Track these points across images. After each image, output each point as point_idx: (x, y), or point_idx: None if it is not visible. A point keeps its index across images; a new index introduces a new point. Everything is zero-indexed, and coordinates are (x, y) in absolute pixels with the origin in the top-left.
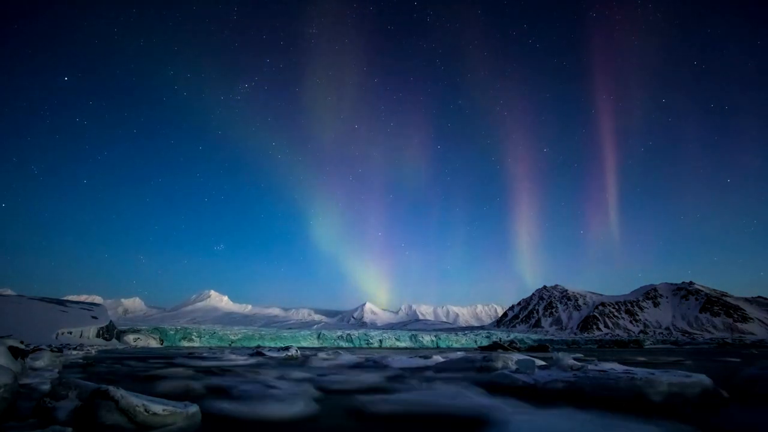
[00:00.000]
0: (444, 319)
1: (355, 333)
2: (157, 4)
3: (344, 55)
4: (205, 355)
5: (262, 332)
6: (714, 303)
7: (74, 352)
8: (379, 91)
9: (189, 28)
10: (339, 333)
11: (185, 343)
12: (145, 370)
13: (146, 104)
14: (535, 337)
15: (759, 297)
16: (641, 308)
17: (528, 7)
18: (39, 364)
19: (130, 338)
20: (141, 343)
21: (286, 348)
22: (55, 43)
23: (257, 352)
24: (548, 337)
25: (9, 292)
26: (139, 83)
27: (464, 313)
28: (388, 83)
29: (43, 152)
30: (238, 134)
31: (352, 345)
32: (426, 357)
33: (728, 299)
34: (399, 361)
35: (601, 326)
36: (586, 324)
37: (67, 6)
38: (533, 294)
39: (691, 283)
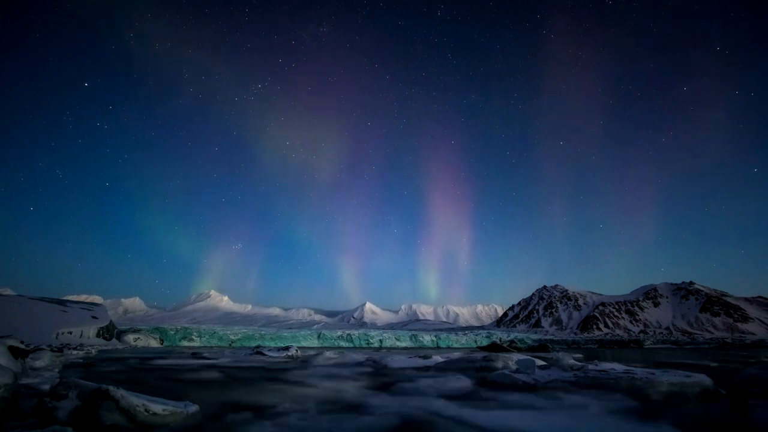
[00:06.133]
0: (444, 319)
1: (355, 333)
2: (171, 8)
3: (356, 52)
4: (205, 354)
5: (263, 332)
6: (714, 303)
7: (74, 352)
8: (392, 87)
9: (202, 30)
10: (339, 333)
11: (185, 343)
12: (145, 370)
13: (163, 107)
14: (535, 337)
15: (759, 297)
16: (641, 308)
17: None
18: (39, 364)
19: (130, 338)
20: (141, 343)
21: (286, 348)
22: (74, 49)
23: (257, 351)
24: (548, 337)
25: (9, 292)
26: (155, 86)
27: (464, 313)
28: (401, 79)
29: (68, 157)
30: (253, 135)
31: (352, 345)
32: (426, 357)
33: (728, 299)
34: (398, 361)
35: (602, 326)
36: (586, 324)
37: (83, 12)
38: (533, 294)
39: (691, 283)
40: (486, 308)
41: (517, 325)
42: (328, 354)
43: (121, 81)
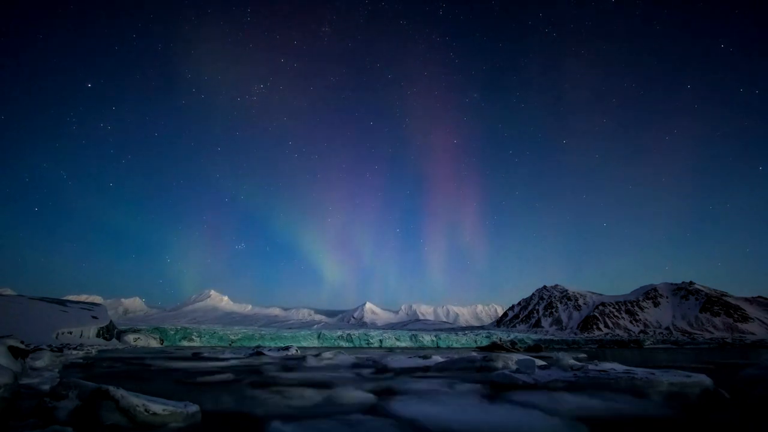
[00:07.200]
0: (444, 319)
1: (355, 333)
2: (173, 8)
3: (357, 52)
4: (205, 354)
5: (263, 332)
6: (714, 303)
7: (74, 352)
8: (394, 87)
9: (204, 31)
10: (339, 333)
11: (185, 343)
12: (145, 370)
13: (166, 108)
14: (535, 337)
15: (759, 297)
16: (641, 308)
17: None
18: (39, 364)
19: (130, 338)
20: (141, 343)
21: (286, 348)
22: (77, 50)
23: (257, 351)
24: (548, 337)
25: (9, 292)
26: (158, 87)
27: (464, 313)
28: (403, 79)
29: (71, 157)
30: (255, 135)
31: (352, 345)
32: (426, 357)
33: (728, 299)
34: (398, 361)
35: (602, 326)
36: (587, 324)
37: (86, 13)
38: (533, 294)
39: (691, 283)
40: (486, 308)
41: (517, 325)
42: (328, 354)
43: (123, 82)
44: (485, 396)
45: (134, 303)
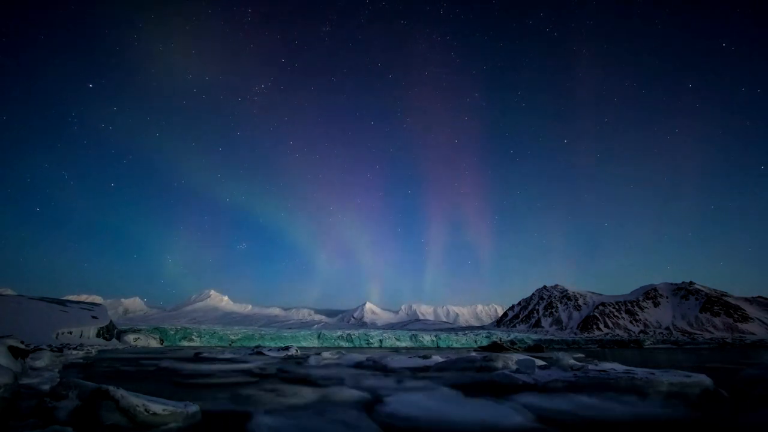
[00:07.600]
0: (444, 319)
1: (355, 333)
2: (173, 9)
3: (358, 52)
4: (205, 354)
5: (263, 332)
6: (714, 303)
7: (74, 352)
8: (395, 87)
9: (205, 31)
10: (339, 333)
11: (185, 343)
12: (145, 370)
13: (167, 108)
14: (535, 337)
15: (759, 297)
16: (641, 308)
17: None
18: (39, 364)
19: (130, 338)
20: (141, 343)
21: (286, 348)
22: (78, 50)
23: (257, 351)
24: (548, 337)
25: (9, 292)
26: (159, 88)
27: (464, 313)
28: (404, 78)
29: (73, 158)
30: (256, 135)
31: (352, 345)
32: (426, 357)
33: (728, 299)
34: (398, 361)
35: (602, 326)
36: (587, 324)
37: (87, 14)
38: (533, 294)
39: (691, 283)
40: (486, 308)
41: (517, 325)
42: (328, 354)
43: (124, 82)
44: (485, 396)
45: (134, 303)
